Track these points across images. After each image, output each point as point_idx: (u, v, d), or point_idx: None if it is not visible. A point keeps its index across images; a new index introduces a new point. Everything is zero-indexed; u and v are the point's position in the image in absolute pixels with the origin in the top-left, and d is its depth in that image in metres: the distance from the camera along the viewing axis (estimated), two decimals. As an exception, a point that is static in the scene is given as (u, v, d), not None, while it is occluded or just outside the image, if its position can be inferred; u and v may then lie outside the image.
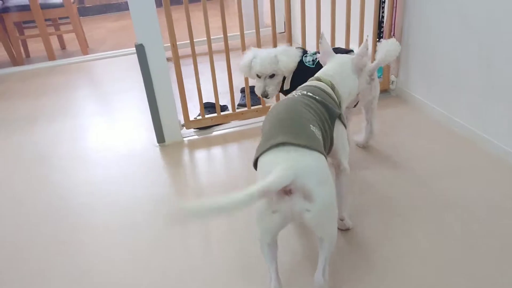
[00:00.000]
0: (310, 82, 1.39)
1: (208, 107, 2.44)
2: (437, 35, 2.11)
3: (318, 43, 1.56)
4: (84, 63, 3.89)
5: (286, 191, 0.97)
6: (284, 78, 1.91)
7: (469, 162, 1.84)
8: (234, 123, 2.39)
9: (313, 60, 1.88)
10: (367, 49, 1.45)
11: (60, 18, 4.41)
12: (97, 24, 5.73)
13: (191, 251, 1.50)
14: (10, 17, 3.85)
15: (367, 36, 1.50)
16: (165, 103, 2.12)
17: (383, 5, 2.34)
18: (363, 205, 1.62)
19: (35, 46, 4.59)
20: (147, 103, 2.12)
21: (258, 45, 2.23)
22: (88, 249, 1.56)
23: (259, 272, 1.35)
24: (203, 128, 2.35)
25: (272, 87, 1.89)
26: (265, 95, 1.89)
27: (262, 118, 1.97)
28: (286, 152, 1.01)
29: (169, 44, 2.06)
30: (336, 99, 1.36)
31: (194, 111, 2.47)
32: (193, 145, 2.22)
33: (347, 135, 1.39)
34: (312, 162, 1.01)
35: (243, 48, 2.20)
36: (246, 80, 2.26)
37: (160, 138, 2.20)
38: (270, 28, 2.26)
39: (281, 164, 0.96)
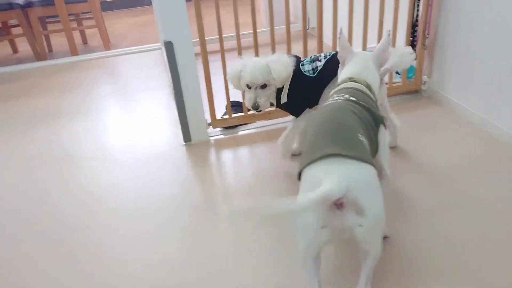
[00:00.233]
0: (346, 84, 1.33)
1: (234, 106, 2.39)
2: (476, 33, 2.02)
3: (337, 39, 1.48)
4: (106, 59, 3.87)
5: (337, 205, 0.92)
6: (280, 90, 1.77)
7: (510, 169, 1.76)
8: (260, 123, 2.33)
9: (313, 69, 1.75)
10: (389, 44, 1.41)
11: (82, 13, 4.41)
12: (117, 20, 5.72)
13: (217, 253, 1.45)
14: (34, 12, 3.85)
15: (389, 31, 1.44)
16: (193, 101, 2.08)
17: (418, 2, 2.25)
18: (398, 212, 1.55)
19: (58, 41, 4.60)
20: (172, 101, 2.09)
21: (288, 42, 2.17)
22: (114, 252, 1.53)
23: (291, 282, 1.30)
24: (229, 127, 2.30)
25: (264, 98, 1.72)
26: (256, 107, 1.72)
27: (289, 118, 1.90)
28: (337, 164, 0.96)
29: (197, 40, 2.02)
30: (373, 98, 1.30)
31: (220, 110, 2.43)
32: (220, 145, 2.17)
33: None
34: (364, 176, 0.96)
35: (273, 45, 2.14)
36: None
37: (187, 137, 2.16)
38: (296, 24, 2.19)
39: (333, 177, 0.91)
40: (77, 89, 3.17)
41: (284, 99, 1.77)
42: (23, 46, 4.51)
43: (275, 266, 1.38)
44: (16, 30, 4.40)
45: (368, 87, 1.31)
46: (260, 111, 1.74)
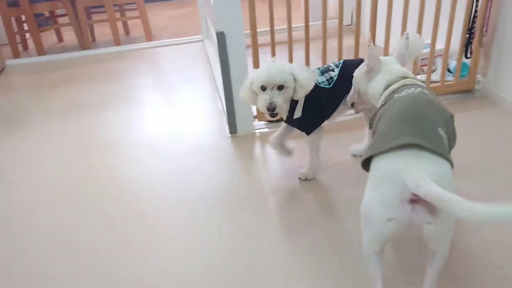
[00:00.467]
0: (405, 80, 1.27)
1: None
2: (541, 32, 1.91)
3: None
4: (148, 50, 3.92)
5: (413, 200, 0.88)
6: (293, 104, 1.59)
7: None
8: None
9: (327, 80, 1.63)
10: (407, 47, 1.37)
11: (125, 4, 4.47)
12: (158, 11, 5.78)
13: (262, 248, 1.43)
14: (81, 2, 3.93)
15: (407, 34, 1.39)
16: (241, 93, 2.07)
17: (477, -3, 2.15)
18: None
19: (100, 31, 4.69)
20: (215, 93, 2.08)
21: (340, 37, 2.12)
22: (158, 244, 1.54)
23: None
24: (274, 121, 2.27)
25: (281, 100, 1.50)
26: (273, 108, 1.50)
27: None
28: (420, 157, 0.91)
29: (247, 32, 2.00)
30: None
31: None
32: (265, 138, 2.15)
33: None
34: (445, 173, 0.92)
35: (324, 38, 2.10)
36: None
37: (233, 129, 2.15)
38: (336, 20, 2.13)
39: (421, 170, 0.87)
40: (120, 79, 3.22)
41: (298, 113, 1.61)
42: (68, 35, 4.63)
43: (326, 265, 1.35)
44: (62, 20, 4.51)
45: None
46: (276, 114, 1.54)
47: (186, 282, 1.34)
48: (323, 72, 1.66)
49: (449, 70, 2.46)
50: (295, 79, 1.53)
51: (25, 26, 4.14)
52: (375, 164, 0.98)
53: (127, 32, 4.63)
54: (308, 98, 1.59)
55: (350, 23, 3.97)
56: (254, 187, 1.78)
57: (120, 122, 2.49)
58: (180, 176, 1.90)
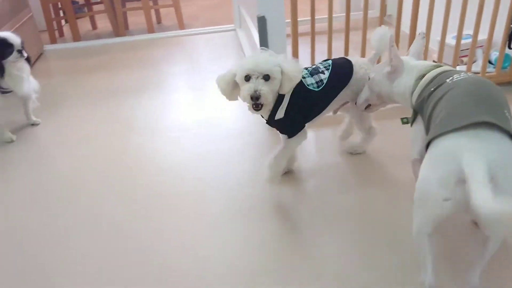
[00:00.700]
0: (444, 67, 1.26)
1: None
2: None
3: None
4: (181, 38, 3.95)
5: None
6: (276, 104, 1.49)
7: None
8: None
9: (317, 82, 1.54)
10: (423, 46, 1.39)
11: (158, -7, 4.52)
12: (188, 1, 5.81)
13: (299, 235, 1.45)
14: (117, -10, 3.98)
15: (423, 33, 1.40)
16: (279, 80, 2.07)
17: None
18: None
19: (133, 19, 4.75)
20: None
21: (364, 30, 2.10)
22: (198, 220, 1.57)
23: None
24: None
25: (266, 89, 1.40)
26: (257, 96, 1.39)
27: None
28: (482, 138, 0.91)
29: (288, 21, 2.00)
30: None
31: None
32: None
33: None
34: (509, 154, 0.91)
35: (347, 31, 2.07)
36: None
37: (269, 115, 2.16)
38: (371, 11, 2.11)
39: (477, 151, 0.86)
40: (154, 65, 3.26)
41: (280, 114, 1.50)
42: (102, 23, 4.70)
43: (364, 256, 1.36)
44: (96, 8, 4.59)
45: None
46: (260, 105, 1.43)
47: (230, 272, 1.37)
48: (312, 73, 1.57)
49: (490, 62, 2.41)
50: (282, 72, 1.43)
51: (61, 13, 4.24)
52: (436, 143, 0.98)
53: (159, 20, 4.68)
54: (294, 98, 1.50)
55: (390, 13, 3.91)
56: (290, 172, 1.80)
57: (157, 107, 2.53)
58: (219, 158, 1.95)
